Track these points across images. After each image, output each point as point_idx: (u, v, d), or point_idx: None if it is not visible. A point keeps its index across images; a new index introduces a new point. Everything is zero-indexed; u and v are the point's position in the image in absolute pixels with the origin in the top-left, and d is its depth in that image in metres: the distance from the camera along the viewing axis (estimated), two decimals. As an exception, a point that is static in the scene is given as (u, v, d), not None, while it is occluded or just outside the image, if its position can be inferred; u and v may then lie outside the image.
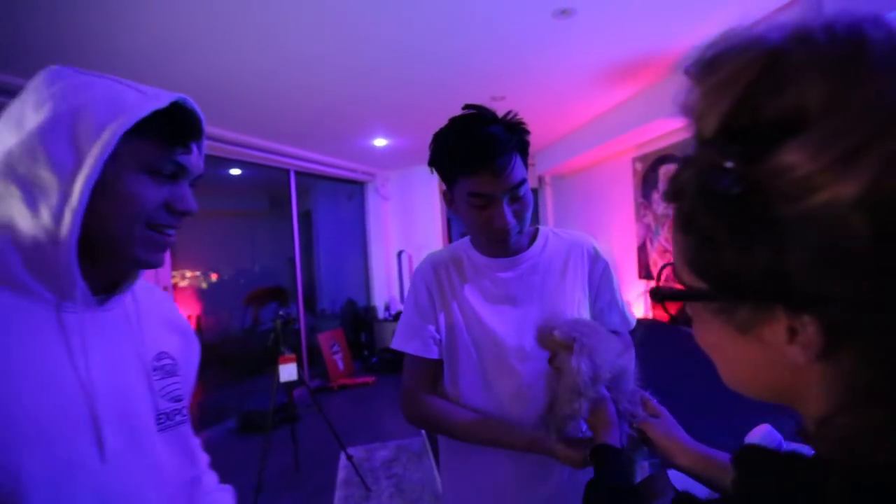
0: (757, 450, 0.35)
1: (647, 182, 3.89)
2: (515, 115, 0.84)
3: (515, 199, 0.83)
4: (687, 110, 0.31)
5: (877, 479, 0.26)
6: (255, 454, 3.02)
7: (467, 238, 1.00)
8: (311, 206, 5.60)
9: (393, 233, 5.63)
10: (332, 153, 4.66)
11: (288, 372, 2.54)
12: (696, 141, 0.30)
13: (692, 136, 0.31)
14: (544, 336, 0.80)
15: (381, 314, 5.54)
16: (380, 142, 4.24)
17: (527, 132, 0.84)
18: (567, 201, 5.46)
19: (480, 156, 0.78)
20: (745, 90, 0.26)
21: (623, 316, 0.97)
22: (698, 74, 0.30)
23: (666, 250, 3.69)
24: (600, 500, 0.60)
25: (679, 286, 0.35)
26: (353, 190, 5.71)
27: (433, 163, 0.88)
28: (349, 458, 2.63)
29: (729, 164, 0.26)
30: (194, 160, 0.58)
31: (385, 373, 4.92)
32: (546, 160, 5.11)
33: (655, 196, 3.79)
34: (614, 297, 0.97)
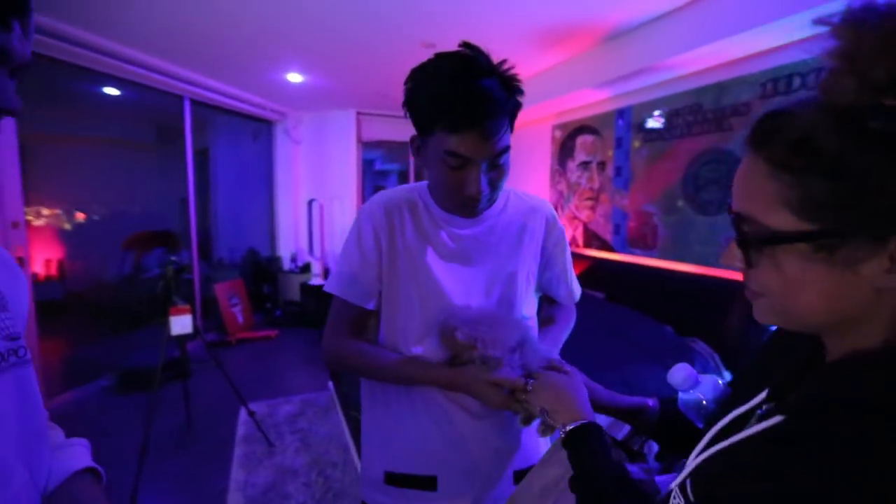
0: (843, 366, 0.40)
1: (564, 150, 4.04)
2: (511, 67, 0.74)
3: (494, 166, 0.76)
4: (847, 61, 0.34)
5: None
6: (137, 414, 2.74)
7: (424, 183, 0.91)
8: (208, 143, 4.97)
9: (303, 180, 5.25)
10: (237, 84, 4.12)
11: (181, 324, 2.28)
12: (850, 86, 0.34)
13: (839, 86, 0.35)
14: (447, 337, 0.78)
15: (286, 265, 5.23)
16: (294, 77, 3.83)
17: (522, 92, 0.75)
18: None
19: (470, 114, 0.69)
20: None
21: (570, 290, 0.97)
22: (866, 27, 0.33)
23: (575, 217, 3.92)
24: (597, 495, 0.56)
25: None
26: (259, 129, 5.17)
27: (408, 104, 0.76)
28: (251, 413, 2.49)
29: None
30: (15, 42, 0.44)
31: (289, 326, 4.71)
32: (469, 119, 5.07)
33: (570, 164, 3.96)
34: (565, 269, 0.96)
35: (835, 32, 0.35)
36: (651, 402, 0.74)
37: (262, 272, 5.10)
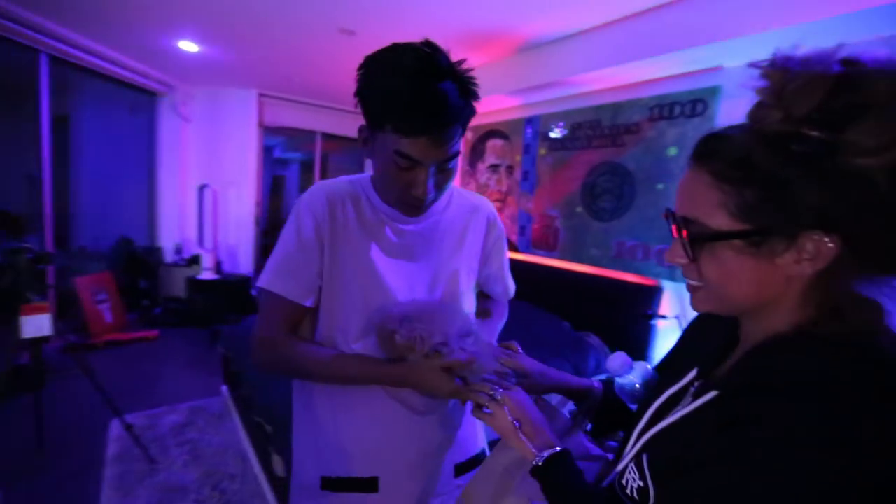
0: (783, 344, 0.47)
1: (475, 152, 4.16)
2: (470, 69, 0.72)
3: (443, 169, 0.75)
4: (774, 98, 0.43)
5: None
6: (-31, 435, 2.22)
7: (367, 176, 0.87)
8: (70, 110, 4.20)
9: (193, 163, 4.69)
10: (114, 44, 3.54)
11: (36, 325, 1.90)
12: (776, 116, 0.42)
13: (767, 116, 0.43)
14: (385, 339, 0.77)
15: (168, 257, 4.64)
16: (188, 46, 3.41)
17: (478, 97, 0.73)
18: (396, 159, 5.46)
19: (425, 120, 0.67)
20: (832, 87, 0.40)
21: (506, 287, 1.00)
22: (790, 73, 0.42)
23: (483, 218, 4.06)
24: None
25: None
26: (138, 100, 4.50)
27: (360, 95, 0.72)
28: (127, 427, 2.16)
29: (815, 133, 0.40)
30: None
31: (172, 326, 4.19)
32: (380, 113, 4.97)
33: (480, 166, 4.10)
34: (502, 267, 0.99)
35: (764, 75, 0.45)
36: (596, 384, 0.80)
37: (137, 264, 4.45)
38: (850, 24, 1.79)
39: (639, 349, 2.61)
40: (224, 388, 2.82)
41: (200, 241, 4.57)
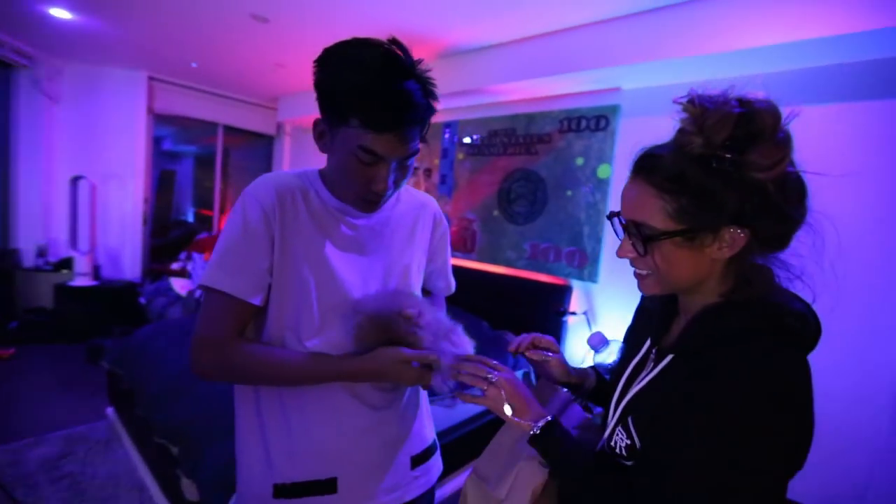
0: (713, 310, 0.62)
1: (392, 154, 4.14)
2: (428, 70, 0.75)
3: (402, 166, 0.77)
4: (695, 127, 0.57)
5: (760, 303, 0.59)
6: None
7: (315, 170, 0.85)
8: None
9: (64, 151, 4.03)
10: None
11: None
12: (698, 143, 0.56)
13: (691, 143, 0.57)
14: (379, 323, 0.78)
15: (29, 261, 3.93)
16: (59, 13, 2.92)
17: (437, 98, 0.76)
18: (307, 158, 5.22)
19: (393, 116, 0.69)
20: (736, 121, 0.55)
21: (448, 283, 1.03)
22: (704, 110, 0.57)
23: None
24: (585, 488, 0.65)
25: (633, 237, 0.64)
26: (-14, 72, 3.75)
27: (321, 89, 0.72)
28: (-18, 466, 1.79)
29: (728, 155, 0.55)
30: None
31: (34, 342, 3.55)
32: (291, 107, 4.71)
33: (398, 169, 4.09)
34: (445, 263, 1.01)
35: (685, 109, 0.59)
36: (591, 371, 0.89)
37: (-16, 269, 3.70)
38: (729, 61, 2.12)
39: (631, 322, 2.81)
40: (110, 411, 2.46)
41: (73, 243, 3.93)
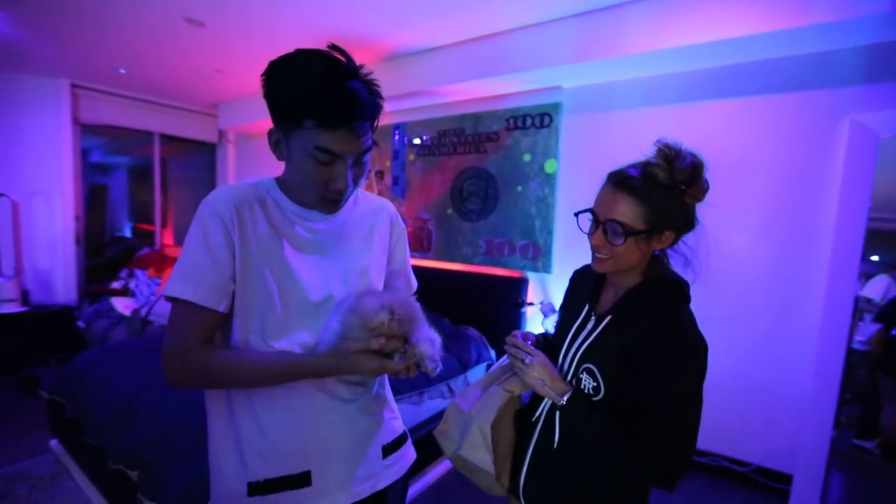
0: (641, 289, 0.90)
1: (342, 158, 4.10)
2: (370, 72, 0.79)
3: (358, 163, 0.81)
4: (665, 164, 0.82)
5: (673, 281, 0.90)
6: None
7: (271, 178, 0.88)
8: None
9: (-24, 168, 3.69)
10: None
11: None
12: (665, 177, 0.83)
13: (661, 175, 0.83)
14: (370, 320, 0.78)
15: (-58, 291, 3.56)
16: (-36, 20, 2.68)
17: (382, 98, 0.81)
18: (253, 165, 5.05)
19: (344, 113, 0.73)
20: (689, 167, 0.83)
21: (408, 280, 1.06)
22: (672, 163, 0.82)
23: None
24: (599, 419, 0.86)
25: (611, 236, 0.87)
26: None
27: (272, 97, 0.75)
28: None
29: (683, 187, 0.84)
30: None
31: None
32: (232, 114, 4.55)
33: (350, 172, 4.05)
34: (405, 262, 1.05)
35: (661, 151, 0.83)
36: (541, 338, 1.10)
37: None
38: (649, 61, 2.28)
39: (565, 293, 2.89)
40: (54, 443, 2.30)
41: (-5, 267, 3.61)
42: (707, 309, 2.24)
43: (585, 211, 0.91)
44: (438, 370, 0.78)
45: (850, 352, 2.92)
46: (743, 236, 2.34)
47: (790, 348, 2.24)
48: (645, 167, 0.84)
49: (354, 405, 0.90)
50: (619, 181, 0.85)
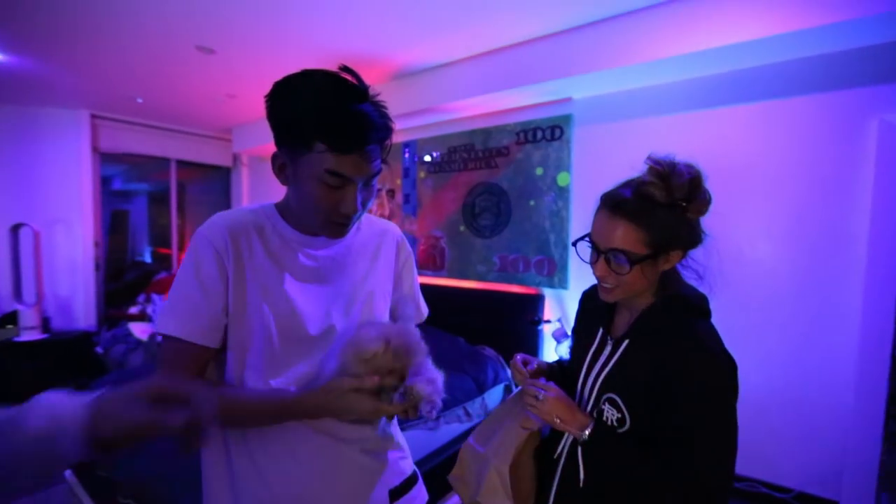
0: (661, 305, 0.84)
1: (354, 177, 4.10)
2: (377, 94, 0.76)
3: (367, 186, 0.78)
4: (660, 182, 0.77)
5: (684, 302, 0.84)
6: None
7: (270, 204, 0.85)
8: None
9: (1, 198, 3.80)
10: None
11: None
12: (663, 195, 0.78)
13: (658, 195, 0.78)
14: (370, 356, 0.74)
15: (-33, 320, 3.64)
16: (-12, 56, 2.78)
17: (391, 121, 0.78)
18: (266, 187, 5.11)
19: (356, 136, 0.71)
20: (687, 183, 0.77)
21: (417, 307, 1.01)
22: (668, 179, 0.77)
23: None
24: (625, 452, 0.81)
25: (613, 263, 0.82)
26: None
27: (278, 119, 0.73)
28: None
29: (683, 204, 0.78)
30: None
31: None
32: (246, 138, 4.62)
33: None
34: (413, 288, 1.00)
35: (653, 168, 0.78)
36: (555, 366, 1.05)
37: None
38: (673, 65, 2.22)
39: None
40: (68, 474, 2.28)
41: (17, 295, 3.68)
42: (733, 321, 2.15)
43: (583, 238, 0.86)
44: (436, 413, 0.72)
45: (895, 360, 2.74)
46: (769, 244, 2.23)
47: (828, 359, 2.10)
48: (639, 187, 0.79)
49: (356, 445, 0.84)
50: (615, 205, 0.80)
